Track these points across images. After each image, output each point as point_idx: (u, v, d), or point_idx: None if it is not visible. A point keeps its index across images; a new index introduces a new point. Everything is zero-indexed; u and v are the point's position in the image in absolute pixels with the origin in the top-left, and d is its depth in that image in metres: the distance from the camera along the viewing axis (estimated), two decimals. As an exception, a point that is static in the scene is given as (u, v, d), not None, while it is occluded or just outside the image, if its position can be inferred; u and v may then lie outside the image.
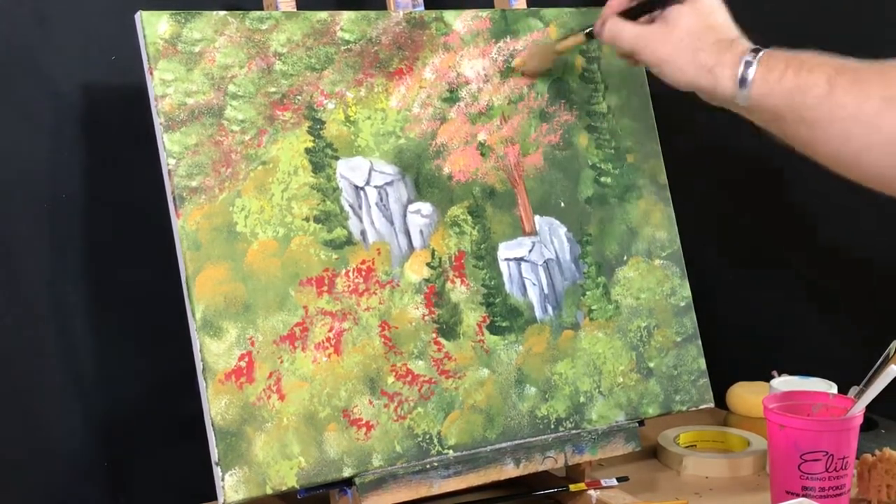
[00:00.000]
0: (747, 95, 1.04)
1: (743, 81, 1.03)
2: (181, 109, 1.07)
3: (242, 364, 1.06)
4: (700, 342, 1.29)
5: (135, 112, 1.15)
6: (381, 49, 1.18)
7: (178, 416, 1.27)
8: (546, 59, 1.25)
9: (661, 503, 1.24)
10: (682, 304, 1.29)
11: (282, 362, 1.07)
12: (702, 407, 1.29)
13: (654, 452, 1.39)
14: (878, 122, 0.96)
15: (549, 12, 1.28)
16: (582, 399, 1.21)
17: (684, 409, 1.27)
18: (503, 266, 1.20)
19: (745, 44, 1.06)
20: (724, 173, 1.61)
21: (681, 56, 1.07)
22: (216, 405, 1.04)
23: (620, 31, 1.13)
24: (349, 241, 1.13)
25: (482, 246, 1.20)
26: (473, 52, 1.23)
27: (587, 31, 1.20)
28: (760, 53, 1.04)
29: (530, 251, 1.22)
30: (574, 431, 1.20)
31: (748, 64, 1.03)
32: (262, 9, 1.16)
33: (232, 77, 1.10)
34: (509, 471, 1.16)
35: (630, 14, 1.14)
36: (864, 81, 0.98)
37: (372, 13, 1.19)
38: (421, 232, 1.17)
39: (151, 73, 1.07)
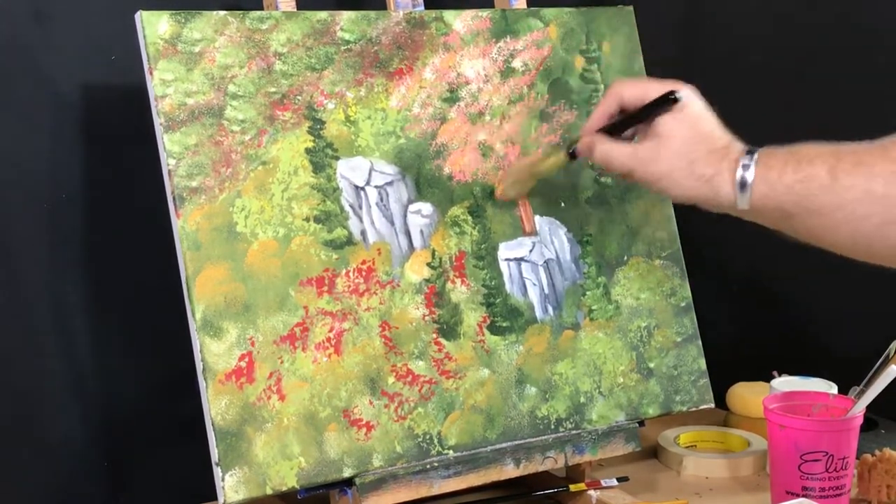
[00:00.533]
0: (749, 199, 1.02)
1: (743, 185, 1.01)
2: (181, 109, 1.07)
3: (242, 364, 1.06)
4: (700, 342, 1.29)
5: (135, 112, 1.15)
6: (381, 49, 1.18)
7: (178, 416, 1.27)
8: (526, 182, 1.21)
9: (661, 503, 1.24)
10: (683, 304, 1.29)
11: (282, 362, 1.07)
12: (702, 407, 1.29)
13: (654, 452, 1.39)
14: (891, 196, 0.95)
15: (549, 12, 1.28)
16: (582, 399, 1.21)
17: (684, 409, 1.27)
18: (503, 266, 1.20)
19: (739, 146, 1.04)
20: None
21: (677, 170, 1.05)
22: (216, 405, 1.04)
23: (610, 152, 1.10)
24: (349, 241, 1.13)
25: (482, 246, 1.20)
26: (473, 52, 1.23)
27: (570, 150, 1.16)
28: (756, 154, 1.02)
29: (531, 251, 1.22)
30: (574, 431, 1.20)
31: (746, 167, 1.01)
32: (262, 9, 1.16)
33: (232, 77, 1.10)
34: (509, 471, 1.16)
35: (613, 130, 1.11)
36: (867, 162, 0.96)
37: (372, 13, 1.18)
38: (421, 232, 1.17)
39: (151, 73, 1.07)
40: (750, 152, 1.03)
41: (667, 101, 1.07)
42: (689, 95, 1.07)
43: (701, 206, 1.07)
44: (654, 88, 1.08)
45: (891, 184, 0.95)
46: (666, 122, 1.06)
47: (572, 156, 1.17)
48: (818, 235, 1.01)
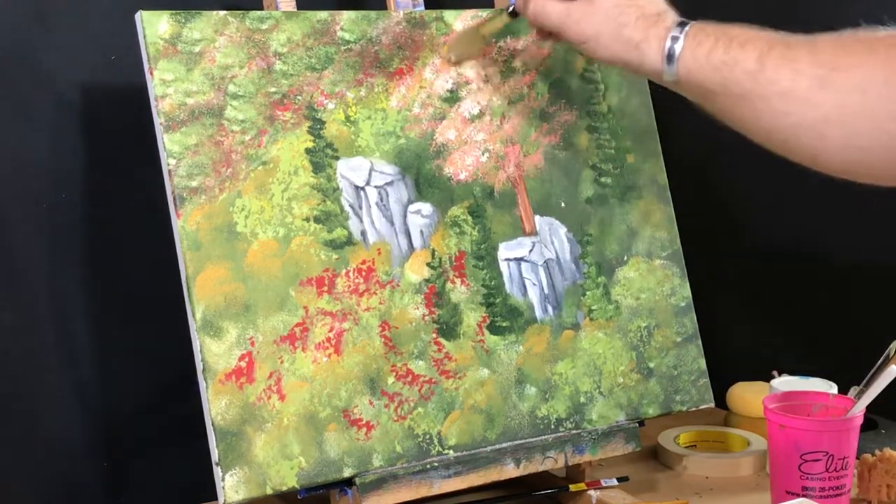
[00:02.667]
0: (675, 71, 1.01)
1: (670, 57, 1.01)
2: (181, 109, 1.07)
3: (242, 364, 1.06)
4: (700, 342, 1.29)
5: (135, 112, 1.15)
6: (382, 49, 1.18)
7: (178, 416, 1.27)
8: (473, 44, 1.21)
9: (661, 503, 1.24)
10: (683, 304, 1.29)
11: (282, 362, 1.07)
12: (702, 407, 1.29)
13: (654, 452, 1.39)
14: (812, 99, 0.94)
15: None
16: (582, 399, 1.21)
17: (684, 409, 1.27)
18: (503, 266, 1.20)
19: (673, 17, 1.04)
20: (725, 173, 1.61)
21: (606, 32, 1.05)
22: (216, 405, 1.04)
23: (544, 7, 1.09)
24: (349, 241, 1.13)
25: (482, 246, 1.20)
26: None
27: (510, 9, 1.16)
28: (687, 27, 1.02)
29: (530, 251, 1.22)
30: (574, 431, 1.20)
31: (675, 39, 1.01)
32: (262, 9, 1.16)
33: (232, 77, 1.10)
34: (509, 471, 1.16)
35: None
36: (796, 59, 0.95)
37: (372, 13, 1.18)
38: (421, 232, 1.17)
39: (151, 73, 1.07)
40: (682, 24, 1.02)
41: None
42: None
43: (628, 70, 1.07)
44: None
45: (810, 87, 0.94)
46: None
47: (512, 14, 1.17)
48: (737, 120, 1.01)
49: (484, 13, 1.24)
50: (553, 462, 1.18)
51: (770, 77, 0.96)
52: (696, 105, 1.04)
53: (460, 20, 1.23)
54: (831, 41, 0.96)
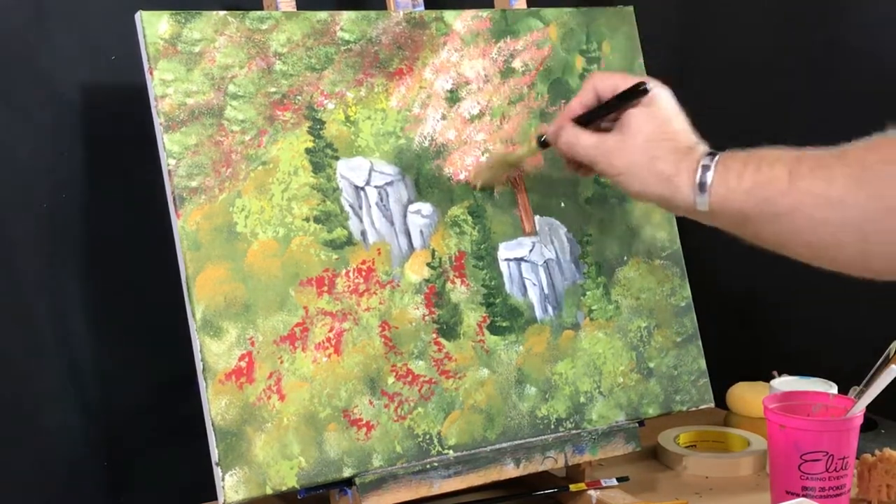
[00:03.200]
0: (707, 201, 1.01)
1: (702, 186, 1.00)
2: (181, 109, 1.07)
3: (242, 364, 1.06)
4: (700, 342, 1.29)
5: (135, 112, 1.15)
6: (381, 49, 1.18)
7: (178, 416, 1.27)
8: (499, 171, 1.21)
9: (661, 503, 1.24)
10: (683, 304, 1.29)
11: (282, 362, 1.07)
12: (702, 407, 1.29)
13: (654, 452, 1.39)
14: (848, 200, 0.93)
15: (549, 12, 1.28)
16: (582, 399, 1.21)
17: (684, 409, 1.27)
18: (503, 266, 1.20)
19: (703, 149, 1.04)
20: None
21: (638, 166, 1.04)
22: (216, 405, 1.04)
23: (576, 140, 1.09)
24: (349, 241, 1.13)
25: (482, 246, 1.20)
26: (473, 52, 1.23)
27: (541, 139, 1.16)
28: (717, 156, 1.01)
29: (530, 251, 1.22)
30: (574, 431, 1.20)
31: (706, 168, 1.00)
32: (262, 9, 1.16)
33: (232, 77, 1.10)
34: (509, 471, 1.16)
35: (584, 120, 1.10)
36: (826, 167, 0.95)
37: (372, 13, 1.19)
38: (421, 232, 1.17)
39: (151, 73, 1.07)
40: (711, 154, 1.02)
41: (636, 93, 1.06)
42: (661, 93, 1.07)
43: (660, 205, 1.07)
44: (628, 81, 1.08)
45: (846, 188, 0.93)
46: (634, 116, 1.06)
47: (543, 144, 1.16)
48: (777, 240, 1.00)
49: (484, 13, 1.24)
50: (553, 462, 1.18)
51: (803, 188, 0.95)
52: (734, 235, 1.03)
53: (460, 20, 1.23)
54: (859, 145, 0.95)
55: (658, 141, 1.04)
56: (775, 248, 1.01)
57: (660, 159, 1.04)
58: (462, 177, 1.20)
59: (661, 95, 1.07)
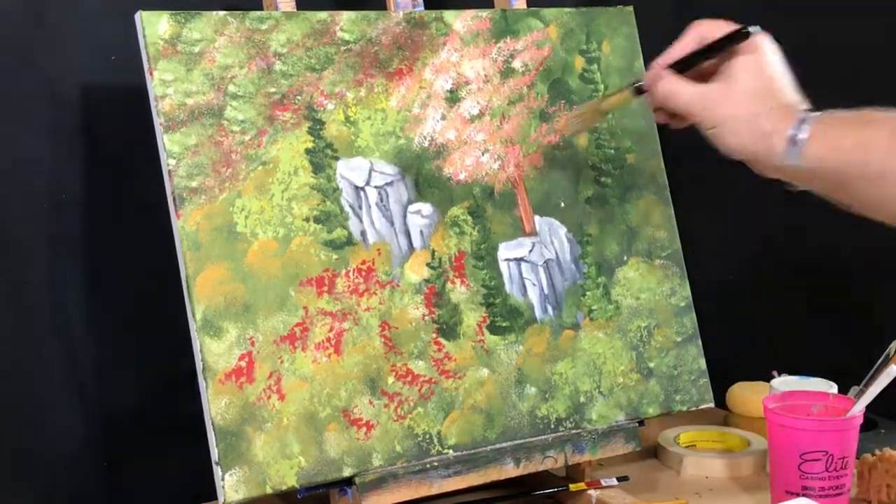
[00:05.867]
0: (801, 155, 0.97)
1: (795, 141, 0.97)
2: (181, 109, 1.07)
3: (242, 364, 1.06)
4: (700, 342, 1.29)
5: (135, 112, 1.15)
6: (381, 49, 1.18)
7: (178, 416, 1.26)
8: (592, 118, 1.21)
9: (661, 503, 1.24)
10: (682, 304, 1.29)
11: (282, 362, 1.07)
12: (702, 407, 1.29)
13: (654, 452, 1.39)
14: None
15: (549, 12, 1.28)
16: (582, 399, 1.21)
17: (684, 409, 1.27)
18: (503, 266, 1.20)
19: (804, 107, 1.01)
20: (724, 173, 1.61)
21: (740, 120, 1.01)
22: (216, 405, 1.04)
23: (676, 89, 1.05)
24: (349, 241, 1.13)
25: (482, 246, 1.20)
26: (473, 52, 1.23)
27: (636, 85, 1.12)
28: (817, 115, 0.99)
29: (530, 251, 1.22)
30: (574, 431, 1.20)
31: (802, 122, 0.98)
32: (262, 9, 1.16)
33: (232, 77, 1.10)
34: (509, 471, 1.16)
35: (682, 67, 1.06)
36: None
37: (372, 13, 1.19)
38: (421, 232, 1.17)
39: (151, 74, 1.07)
40: (810, 112, 0.99)
41: (738, 36, 1.03)
42: (767, 44, 1.03)
43: (753, 163, 1.03)
44: (732, 26, 1.04)
45: None
46: (739, 69, 1.02)
47: (638, 91, 1.11)
48: (874, 203, 0.97)
49: (484, 13, 1.24)
50: (553, 462, 1.18)
51: None
52: (826, 198, 1.01)
53: (460, 20, 1.23)
54: None
55: (762, 96, 1.01)
56: (872, 212, 0.99)
57: (760, 115, 1.00)
58: (462, 177, 1.20)
59: (768, 47, 1.03)
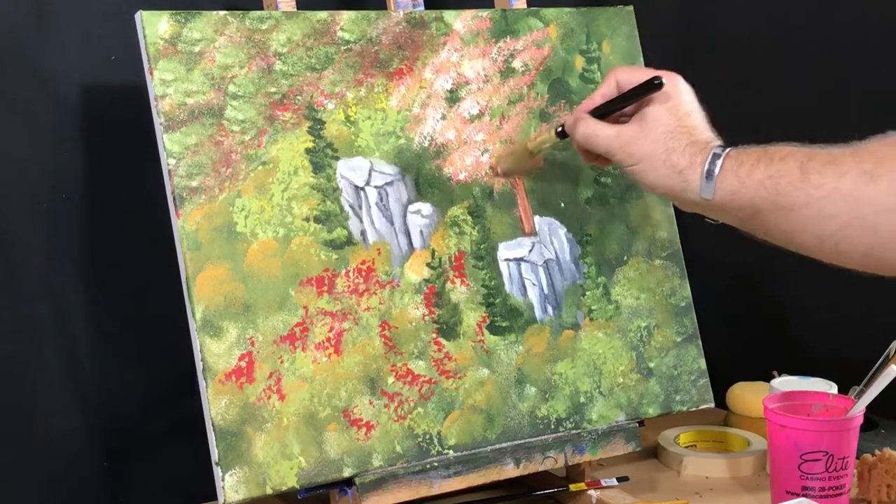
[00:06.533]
0: (716, 191, 1.02)
1: (709, 175, 1.02)
2: (181, 109, 1.07)
3: (242, 364, 1.06)
4: (700, 342, 1.29)
5: (135, 112, 1.15)
6: (382, 49, 1.18)
7: (178, 416, 1.27)
8: (521, 159, 1.21)
9: (661, 503, 1.24)
10: (683, 304, 1.29)
11: (282, 362, 1.07)
12: (702, 407, 1.29)
13: (654, 452, 1.39)
14: (858, 195, 0.94)
15: (549, 12, 1.28)
16: (582, 399, 1.21)
17: (684, 409, 1.27)
18: (503, 266, 1.20)
19: (718, 143, 1.05)
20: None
21: (654, 158, 1.05)
22: (216, 405, 1.04)
23: (595, 131, 1.10)
24: (349, 241, 1.13)
25: (482, 246, 1.20)
26: (473, 52, 1.23)
27: (558, 128, 1.16)
28: (728, 150, 1.03)
29: (530, 251, 1.22)
30: (574, 431, 1.20)
31: (716, 158, 1.02)
32: (262, 9, 1.16)
33: (232, 77, 1.10)
34: (509, 471, 1.16)
35: (601, 112, 1.11)
36: (838, 161, 0.96)
37: (372, 13, 1.19)
38: (421, 232, 1.17)
39: (151, 73, 1.07)
40: (722, 147, 1.03)
41: (651, 86, 1.07)
42: (681, 87, 1.08)
43: (672, 198, 1.08)
44: (648, 74, 1.09)
45: (857, 183, 0.94)
46: (654, 110, 1.07)
47: (561, 134, 1.16)
48: (785, 234, 1.01)
49: (484, 13, 1.24)
50: (553, 462, 1.18)
51: (815, 182, 0.96)
52: (742, 228, 1.04)
53: (460, 20, 1.23)
54: (873, 142, 0.96)
55: (675, 134, 1.05)
56: (783, 243, 1.02)
57: (675, 151, 1.05)
58: (462, 177, 1.20)
59: (681, 90, 1.08)
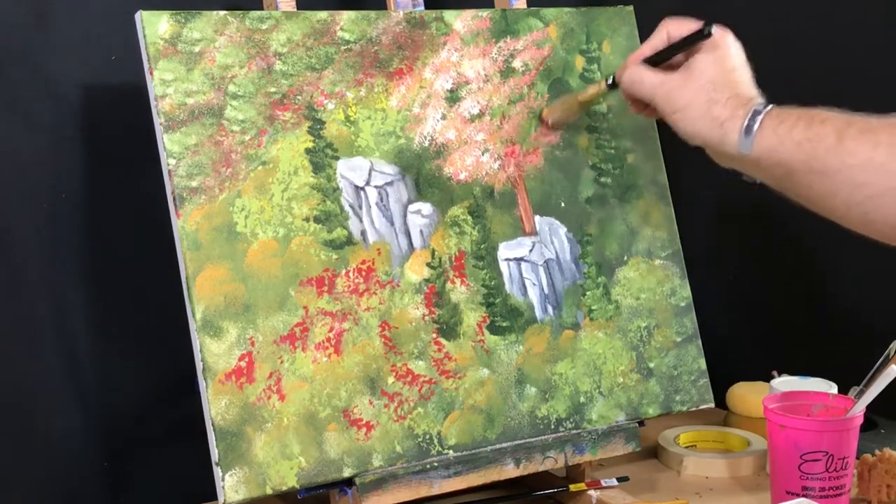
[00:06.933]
0: (751, 145, 1.03)
1: (748, 130, 1.03)
2: (181, 109, 1.07)
3: (242, 364, 1.06)
4: (700, 342, 1.29)
5: (135, 112, 1.15)
6: (382, 49, 1.18)
7: (178, 416, 1.27)
8: (570, 110, 1.24)
9: (661, 503, 1.24)
10: (683, 304, 1.29)
11: (282, 362, 1.07)
12: (702, 407, 1.29)
13: (654, 452, 1.39)
14: (891, 167, 0.95)
15: (549, 12, 1.28)
16: (582, 399, 1.21)
17: (684, 409, 1.27)
18: (503, 266, 1.20)
19: (760, 100, 1.06)
20: (724, 172, 1.61)
21: (696, 107, 1.07)
22: (216, 405, 1.04)
23: (641, 77, 1.12)
24: (349, 241, 1.13)
25: (482, 246, 1.20)
26: (473, 52, 1.23)
27: (609, 81, 1.19)
28: (770, 107, 1.04)
29: (530, 251, 1.22)
30: (574, 431, 1.20)
31: (756, 114, 1.03)
32: (262, 9, 1.16)
33: (232, 77, 1.10)
34: (509, 471, 1.16)
35: (651, 62, 1.14)
36: (874, 131, 0.97)
37: (372, 13, 1.19)
38: (421, 232, 1.17)
39: (151, 73, 1.07)
40: (764, 105, 1.04)
41: (700, 36, 1.09)
42: (731, 42, 1.10)
43: (709, 150, 1.09)
44: (697, 25, 1.11)
45: (891, 154, 0.95)
46: (700, 59, 1.09)
47: (612, 85, 1.18)
48: (816, 197, 1.02)
49: (484, 13, 1.24)
50: (553, 462, 1.18)
51: (849, 149, 0.97)
52: (775, 188, 1.05)
53: (460, 20, 1.23)
54: None
55: (720, 85, 1.07)
56: (813, 206, 1.03)
57: (717, 103, 1.06)
58: (462, 177, 1.20)
59: (730, 43, 1.10)
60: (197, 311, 1.05)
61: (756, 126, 1.03)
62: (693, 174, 1.48)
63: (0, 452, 1.25)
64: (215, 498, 1.04)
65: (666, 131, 1.32)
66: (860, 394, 1.18)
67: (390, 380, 1.12)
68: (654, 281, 1.28)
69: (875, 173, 0.96)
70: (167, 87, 1.07)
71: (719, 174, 1.62)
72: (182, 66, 1.08)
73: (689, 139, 1.09)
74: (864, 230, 1.01)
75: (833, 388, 1.31)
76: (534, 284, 1.21)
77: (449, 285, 1.17)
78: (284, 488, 1.06)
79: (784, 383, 1.35)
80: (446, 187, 1.19)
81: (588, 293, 1.24)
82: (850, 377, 1.23)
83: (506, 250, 1.21)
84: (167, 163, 1.06)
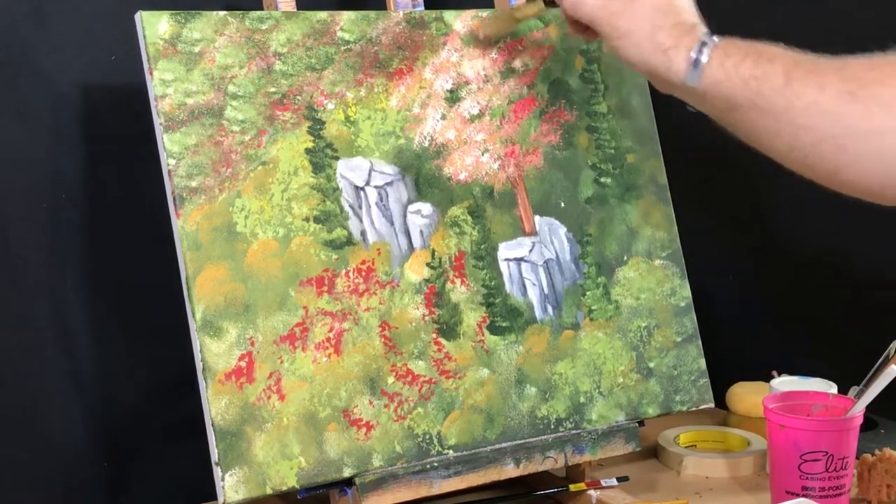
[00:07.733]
0: (700, 79, 1.00)
1: (696, 63, 1.00)
2: (181, 109, 1.07)
3: (242, 364, 1.06)
4: (700, 342, 1.29)
5: (135, 112, 1.15)
6: (381, 49, 1.18)
7: (178, 416, 1.27)
8: (504, 25, 1.22)
9: (661, 503, 1.24)
10: (683, 304, 1.29)
11: (282, 362, 1.07)
12: (702, 407, 1.29)
13: (654, 452, 1.39)
14: (836, 111, 0.93)
15: (549, 12, 1.27)
16: (582, 399, 1.21)
17: (684, 409, 1.27)
18: (503, 266, 1.20)
19: (705, 29, 1.04)
20: (725, 173, 1.61)
21: (640, 31, 1.04)
22: (216, 405, 1.04)
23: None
24: (349, 241, 1.13)
25: (482, 246, 1.20)
26: (473, 52, 1.23)
27: None
28: (718, 39, 1.01)
29: (530, 251, 1.22)
30: (574, 431, 1.20)
31: (703, 46, 1.01)
32: (262, 9, 1.16)
33: (232, 77, 1.10)
34: (509, 471, 1.16)
35: None
36: (822, 73, 0.95)
37: (372, 13, 1.19)
38: (421, 232, 1.17)
39: (151, 73, 1.07)
40: (712, 36, 1.02)
41: None
42: None
43: (651, 78, 1.06)
44: None
45: (837, 101, 0.93)
46: None
47: (549, 2, 1.15)
48: (758, 135, 1.00)
49: (484, 13, 1.24)
50: (553, 462, 1.18)
51: (796, 90, 0.95)
52: (715, 121, 1.03)
53: (460, 20, 1.23)
54: (859, 61, 0.95)
55: (663, 12, 1.04)
56: (753, 143, 1.01)
57: (661, 30, 1.03)
58: (462, 177, 1.20)
59: None
60: (197, 311, 1.05)
61: (704, 59, 1.00)
62: (693, 174, 1.49)
63: (0, 452, 1.25)
64: (215, 498, 1.04)
65: (666, 131, 1.33)
66: (860, 394, 1.18)
67: (390, 380, 1.12)
68: (653, 281, 1.28)
69: (819, 118, 0.94)
70: (167, 88, 1.07)
71: (719, 174, 1.63)
72: (182, 67, 1.08)
73: (633, 66, 1.06)
74: (803, 172, 0.98)
75: (833, 388, 1.31)
76: (534, 284, 1.21)
77: (449, 285, 1.17)
78: (284, 488, 1.06)
79: (784, 383, 1.35)
80: (446, 187, 1.19)
81: (588, 293, 1.24)
82: (850, 377, 1.23)
83: (506, 250, 1.21)
84: (167, 163, 1.06)
